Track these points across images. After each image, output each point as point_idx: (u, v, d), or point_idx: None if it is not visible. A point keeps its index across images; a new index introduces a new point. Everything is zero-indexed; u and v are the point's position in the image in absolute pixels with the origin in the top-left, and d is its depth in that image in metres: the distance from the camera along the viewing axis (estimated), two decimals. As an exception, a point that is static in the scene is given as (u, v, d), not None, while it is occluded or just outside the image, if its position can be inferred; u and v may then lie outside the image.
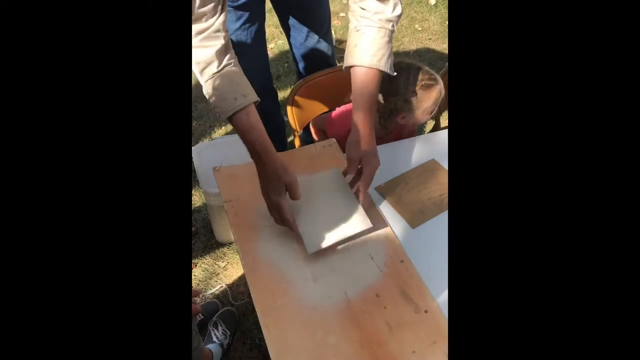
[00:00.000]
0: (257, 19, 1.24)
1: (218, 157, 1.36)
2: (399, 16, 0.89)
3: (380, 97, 1.12)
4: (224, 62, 0.82)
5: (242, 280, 1.42)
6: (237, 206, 0.93)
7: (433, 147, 1.07)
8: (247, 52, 1.27)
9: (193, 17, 0.78)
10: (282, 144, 1.64)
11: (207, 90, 0.84)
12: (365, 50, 0.88)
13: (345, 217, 0.88)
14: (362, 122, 0.89)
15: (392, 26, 0.89)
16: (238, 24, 1.23)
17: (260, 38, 1.30)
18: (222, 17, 0.80)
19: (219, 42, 0.81)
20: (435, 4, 2.61)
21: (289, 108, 1.27)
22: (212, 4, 0.77)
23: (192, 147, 1.44)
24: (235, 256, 1.47)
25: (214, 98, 0.83)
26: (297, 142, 1.32)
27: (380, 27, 0.88)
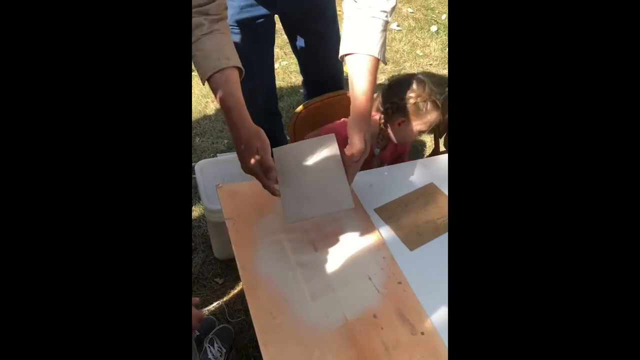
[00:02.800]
0: (266, 41, 1.27)
1: (220, 174, 1.39)
2: (393, 8, 0.92)
3: (379, 101, 1.14)
4: (214, 27, 0.85)
5: (239, 298, 1.42)
6: (239, 223, 0.95)
7: (432, 171, 1.09)
8: (255, 72, 1.29)
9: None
10: None
11: (193, 51, 0.85)
12: (360, 39, 0.90)
13: (330, 192, 0.88)
14: (361, 104, 0.90)
15: (386, 16, 0.92)
16: (247, 44, 1.26)
17: (268, 58, 1.33)
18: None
19: (214, 14, 0.85)
20: (437, 30, 2.68)
21: (290, 130, 1.30)
22: None
23: (195, 164, 1.46)
24: (233, 273, 1.48)
25: (197, 58, 0.84)
26: None
27: (373, 17, 0.90)
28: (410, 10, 2.83)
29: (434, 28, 2.69)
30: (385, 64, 0.93)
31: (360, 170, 0.97)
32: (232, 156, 1.48)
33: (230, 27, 1.17)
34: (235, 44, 0.91)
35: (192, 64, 0.86)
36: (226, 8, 0.90)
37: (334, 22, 1.31)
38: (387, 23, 0.92)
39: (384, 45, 0.92)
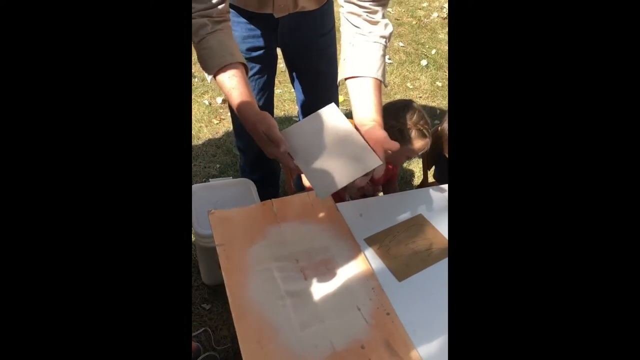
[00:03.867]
0: (267, 71, 1.29)
1: (212, 199, 1.39)
2: (391, 34, 0.97)
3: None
4: (217, 27, 0.90)
5: (226, 324, 1.41)
6: (230, 250, 0.96)
7: (420, 202, 1.11)
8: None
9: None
10: (275, 188, 1.67)
11: (198, 50, 0.91)
12: (362, 62, 0.94)
13: (353, 156, 0.86)
14: (375, 119, 0.91)
15: (385, 42, 0.96)
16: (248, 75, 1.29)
17: (268, 89, 1.35)
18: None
19: (216, 16, 0.90)
20: (427, 64, 2.77)
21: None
22: None
23: (187, 188, 1.47)
24: (220, 299, 1.46)
25: (203, 56, 0.90)
26: (289, 184, 1.37)
27: (374, 42, 0.95)
28: (401, 44, 2.93)
29: (424, 62, 2.78)
30: (386, 86, 0.98)
31: (355, 196, 0.98)
32: (225, 181, 1.50)
33: None
34: None
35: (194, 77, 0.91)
36: (228, 12, 0.95)
37: (334, 61, 1.35)
38: (386, 48, 0.97)
39: (385, 69, 0.96)
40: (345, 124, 0.91)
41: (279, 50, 1.32)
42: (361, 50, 0.95)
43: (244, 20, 1.17)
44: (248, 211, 1.06)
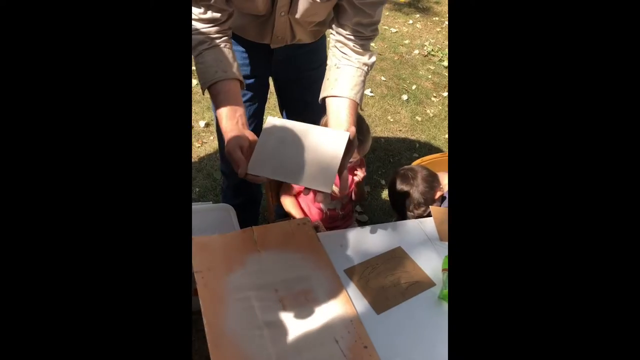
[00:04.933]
0: (258, 99, 1.32)
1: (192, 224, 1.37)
2: (374, 63, 1.05)
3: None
4: (215, 43, 0.96)
5: (203, 353, 1.36)
6: (208, 277, 0.94)
7: (400, 235, 1.13)
8: None
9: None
10: (255, 214, 1.66)
11: (195, 64, 0.97)
12: (345, 84, 1.01)
13: (323, 142, 0.91)
14: (348, 121, 0.97)
15: (367, 69, 1.04)
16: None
17: (258, 117, 1.38)
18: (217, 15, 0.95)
19: (215, 34, 0.96)
20: (407, 99, 2.85)
21: (266, 183, 1.33)
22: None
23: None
24: (196, 326, 1.42)
25: (199, 70, 0.96)
26: (270, 210, 1.37)
27: (357, 67, 1.02)
28: (383, 78, 3.02)
29: (404, 97, 2.86)
30: (362, 110, 1.04)
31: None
32: (204, 206, 1.48)
33: None
34: None
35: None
36: (230, 29, 1.00)
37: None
38: (367, 74, 1.04)
39: (363, 93, 1.03)
40: (294, 124, 0.94)
41: (270, 80, 1.35)
42: (343, 73, 1.02)
43: (241, 48, 1.20)
44: (228, 238, 1.05)
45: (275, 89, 1.40)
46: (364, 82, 1.03)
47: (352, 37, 1.02)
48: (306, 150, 0.91)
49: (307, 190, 0.90)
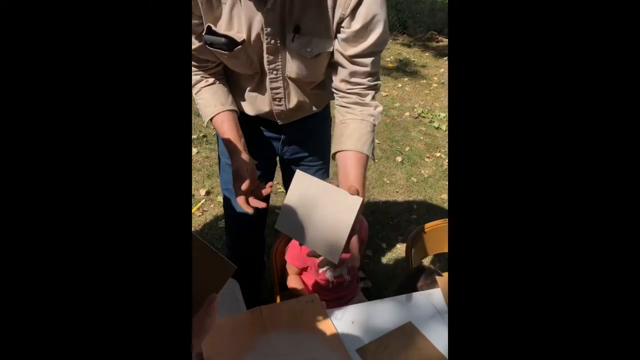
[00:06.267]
0: (265, 179, 1.34)
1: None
2: (380, 113, 1.05)
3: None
4: (210, 81, 1.11)
5: None
6: (218, 364, 0.92)
7: (409, 309, 1.12)
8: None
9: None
10: (258, 287, 1.64)
11: (197, 100, 1.13)
12: (350, 137, 1.00)
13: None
14: (358, 180, 0.97)
15: (374, 120, 1.03)
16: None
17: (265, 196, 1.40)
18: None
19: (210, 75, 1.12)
20: (402, 161, 2.93)
21: (272, 252, 1.34)
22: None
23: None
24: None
25: (200, 105, 1.12)
26: (277, 300, 1.36)
27: (362, 120, 1.02)
28: (377, 141, 3.11)
29: (399, 158, 2.94)
30: (374, 160, 1.06)
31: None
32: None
33: None
34: None
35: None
36: (221, 68, 1.12)
37: (326, 171, 1.43)
38: (374, 126, 1.04)
39: (372, 143, 1.03)
40: (317, 183, 0.96)
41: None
42: (348, 127, 1.02)
43: (250, 134, 1.21)
44: (236, 320, 1.04)
45: (281, 167, 1.43)
46: (371, 132, 1.02)
47: (353, 90, 1.02)
48: (320, 214, 0.93)
49: (316, 253, 0.93)
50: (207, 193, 2.34)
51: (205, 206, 2.27)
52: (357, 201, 0.91)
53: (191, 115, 1.15)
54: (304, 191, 0.97)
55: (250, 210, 1.08)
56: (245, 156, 1.08)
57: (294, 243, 1.37)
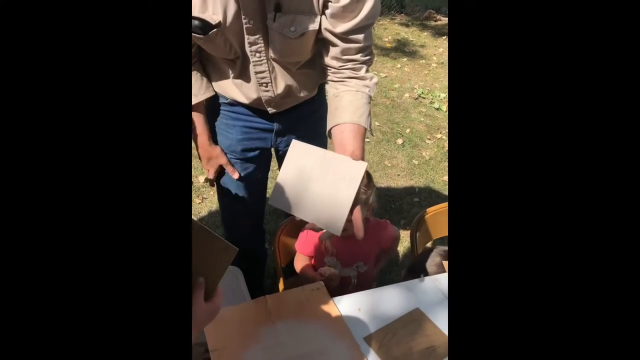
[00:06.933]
0: (261, 171, 1.30)
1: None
2: (375, 84, 0.99)
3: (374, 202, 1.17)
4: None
5: None
6: (224, 356, 0.90)
7: (417, 295, 1.10)
8: (246, 198, 1.31)
9: None
10: (260, 275, 1.62)
11: None
12: (346, 110, 0.93)
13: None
14: (356, 154, 0.89)
15: (369, 91, 0.97)
16: (243, 173, 1.27)
17: (261, 187, 1.36)
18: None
19: None
20: (402, 143, 2.89)
21: (275, 246, 1.31)
22: None
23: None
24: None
25: None
26: (281, 285, 1.34)
27: (357, 91, 0.95)
28: (377, 123, 3.07)
29: (399, 141, 2.90)
30: (372, 135, 1.01)
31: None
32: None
33: (229, 155, 1.23)
34: None
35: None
36: (195, 47, 1.04)
37: None
38: (370, 97, 0.97)
39: (369, 115, 0.96)
40: (315, 151, 0.90)
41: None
42: (343, 100, 0.94)
43: (240, 123, 1.18)
44: (241, 310, 1.02)
45: (277, 160, 1.38)
46: (367, 104, 0.95)
47: (346, 66, 0.96)
48: (320, 184, 0.87)
49: (315, 226, 0.90)
50: (206, 180, 2.30)
51: (205, 193, 2.24)
52: (361, 166, 0.85)
53: (191, 103, 1.13)
54: (301, 161, 0.90)
55: (235, 176, 1.23)
56: (212, 149, 1.21)
57: (304, 232, 1.34)
